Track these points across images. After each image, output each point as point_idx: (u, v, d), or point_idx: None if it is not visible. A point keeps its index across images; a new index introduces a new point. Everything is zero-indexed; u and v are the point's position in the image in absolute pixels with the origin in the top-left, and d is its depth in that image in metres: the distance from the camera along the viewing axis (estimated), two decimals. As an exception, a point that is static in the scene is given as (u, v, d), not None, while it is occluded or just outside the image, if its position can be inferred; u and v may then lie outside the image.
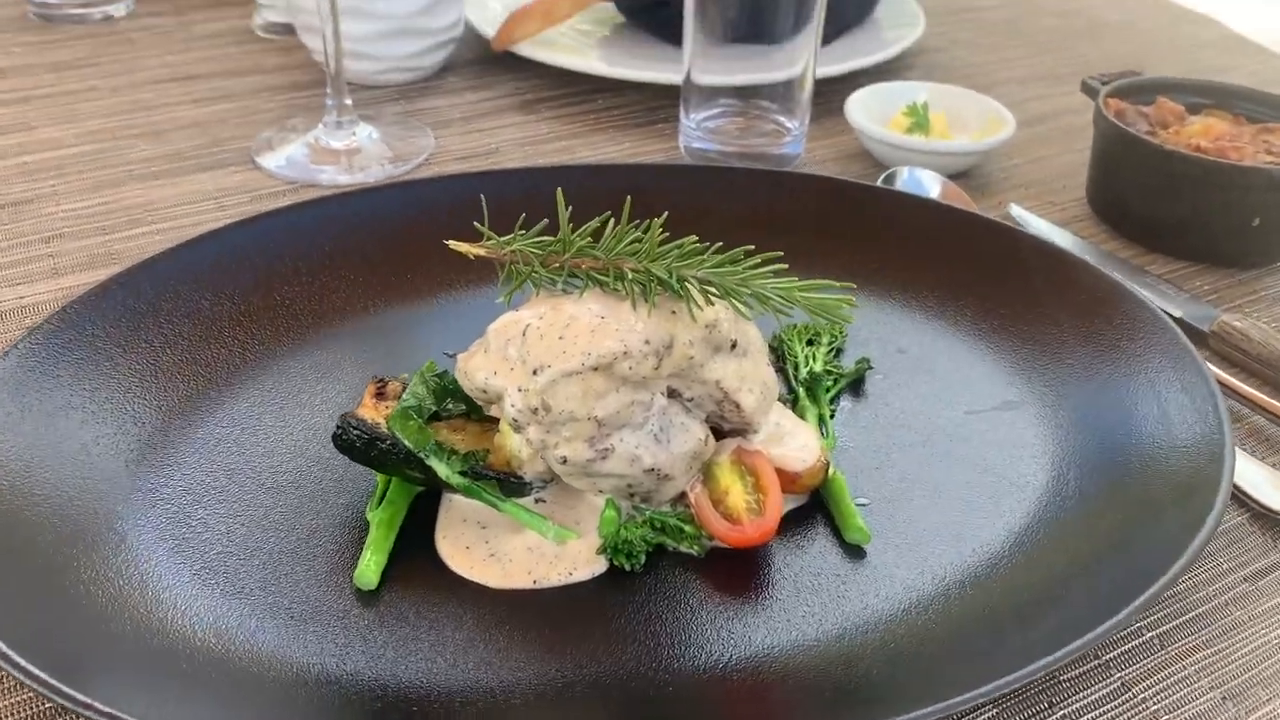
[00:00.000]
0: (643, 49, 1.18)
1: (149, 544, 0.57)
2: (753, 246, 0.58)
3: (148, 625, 0.53)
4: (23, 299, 0.80)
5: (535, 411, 0.56)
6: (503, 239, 0.59)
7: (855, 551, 0.59)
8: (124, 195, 0.93)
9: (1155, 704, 0.53)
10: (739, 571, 0.58)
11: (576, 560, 0.58)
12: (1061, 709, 0.53)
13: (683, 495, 0.60)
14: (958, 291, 0.77)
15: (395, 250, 0.79)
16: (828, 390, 0.69)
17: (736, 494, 0.59)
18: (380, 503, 0.60)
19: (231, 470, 0.63)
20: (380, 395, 0.61)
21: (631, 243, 0.57)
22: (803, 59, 0.94)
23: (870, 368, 0.72)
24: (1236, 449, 0.61)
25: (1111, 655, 0.56)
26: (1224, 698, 0.54)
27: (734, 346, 0.59)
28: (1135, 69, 1.07)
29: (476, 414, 0.63)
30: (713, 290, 0.57)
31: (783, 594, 0.57)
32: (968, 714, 0.52)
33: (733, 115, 1.00)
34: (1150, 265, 0.88)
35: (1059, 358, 0.71)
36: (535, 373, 0.56)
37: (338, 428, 0.59)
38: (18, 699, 0.52)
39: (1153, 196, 0.88)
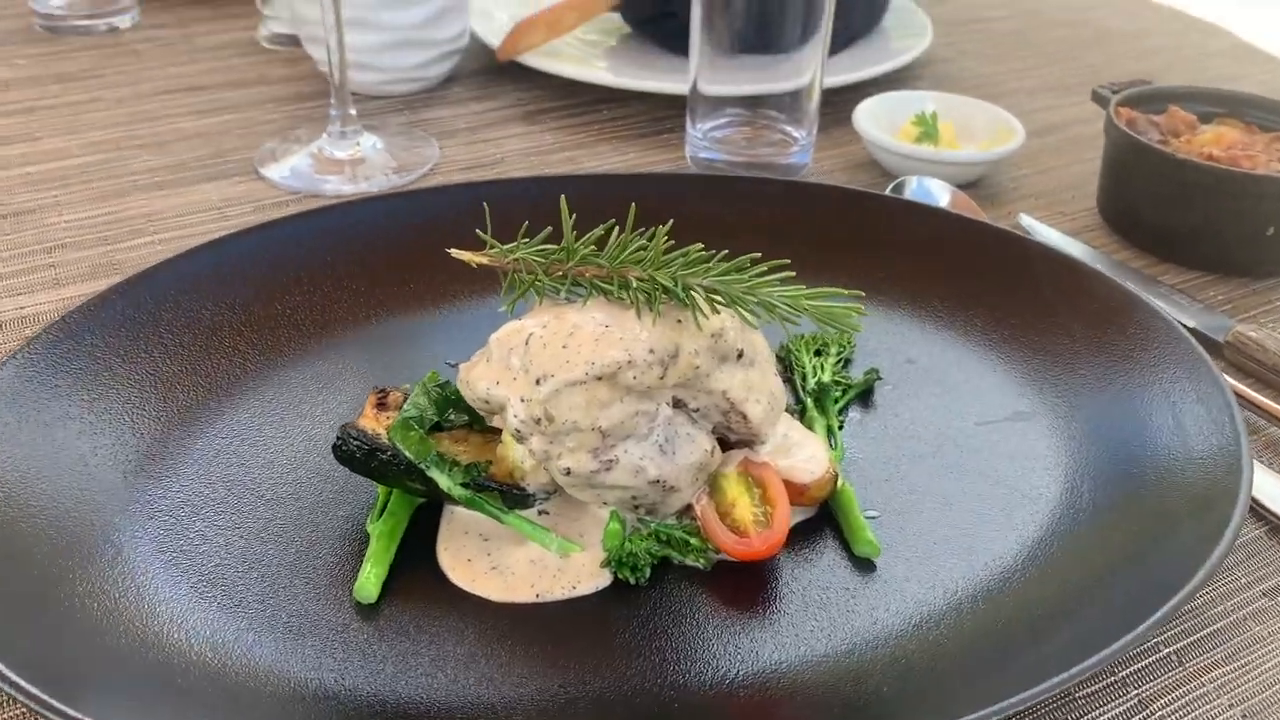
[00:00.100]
0: (648, 59, 1.18)
1: (146, 556, 0.57)
2: (760, 254, 0.57)
3: (143, 639, 0.52)
4: (23, 309, 0.79)
5: (538, 422, 0.55)
6: (506, 247, 0.58)
7: (865, 565, 0.58)
8: (127, 206, 0.93)
9: (1173, 722, 0.52)
10: (746, 585, 0.57)
11: (580, 573, 0.57)
12: (1077, 727, 0.52)
13: (688, 507, 0.59)
14: (968, 301, 0.76)
15: (396, 260, 0.78)
16: (836, 401, 0.68)
17: (743, 506, 0.58)
18: (381, 515, 0.59)
19: (230, 482, 0.62)
20: (381, 406, 0.60)
21: (636, 250, 0.56)
22: (810, 69, 0.94)
23: (879, 378, 0.71)
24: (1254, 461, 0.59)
25: (1128, 672, 0.54)
26: (1244, 716, 0.53)
27: (740, 356, 0.58)
28: (1145, 78, 1.06)
29: (479, 425, 0.62)
30: (719, 298, 0.56)
31: (791, 608, 0.56)
32: (981, 732, 0.51)
33: (739, 125, 0.99)
34: (1163, 275, 0.87)
35: (1071, 368, 0.70)
36: (538, 382, 0.55)
37: (338, 438, 0.58)
38: (9, 715, 0.51)
39: (1165, 206, 0.87)
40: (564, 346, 0.55)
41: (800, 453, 0.61)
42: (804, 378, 0.70)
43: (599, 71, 1.14)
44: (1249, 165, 0.83)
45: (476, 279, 0.68)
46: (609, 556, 0.57)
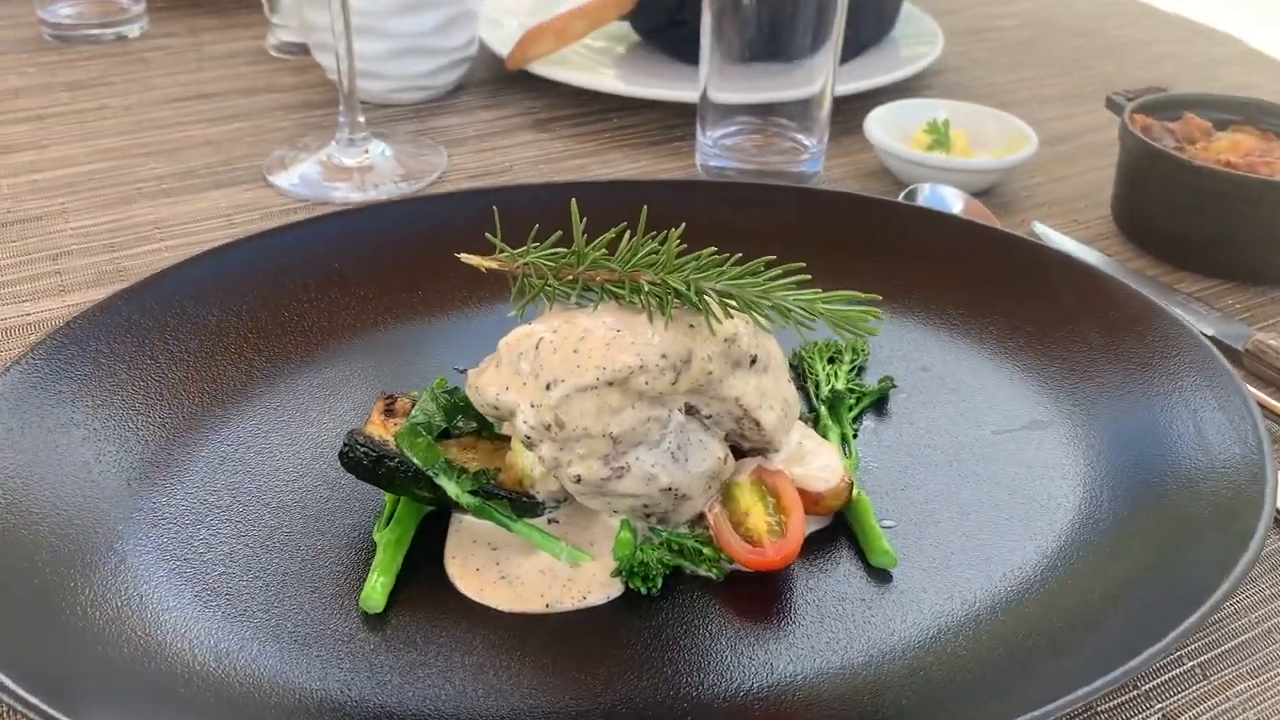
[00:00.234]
0: (658, 67, 1.17)
1: (150, 564, 0.56)
2: (774, 258, 0.56)
3: (147, 648, 0.51)
4: (28, 316, 0.79)
5: (548, 428, 0.54)
6: (516, 251, 0.58)
7: (881, 575, 0.57)
8: (134, 213, 0.92)
9: (1198, 737, 0.51)
10: (760, 596, 0.56)
11: (590, 583, 0.56)
12: (1100, 742, 0.51)
13: (701, 516, 0.58)
14: (983, 308, 0.75)
15: (405, 265, 0.77)
16: (850, 409, 0.67)
17: (757, 515, 0.57)
18: (388, 523, 0.58)
19: (236, 489, 0.61)
20: (389, 412, 0.60)
21: (648, 254, 0.55)
22: (821, 77, 0.93)
23: (894, 386, 0.70)
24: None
25: (1151, 685, 0.53)
26: (1271, 731, 0.51)
27: (754, 362, 0.57)
28: (1159, 86, 1.06)
29: (488, 431, 0.61)
30: (732, 303, 0.55)
31: (806, 619, 0.54)
32: (1001, 746, 0.50)
33: (750, 133, 0.98)
34: (1179, 283, 0.86)
35: (1089, 376, 0.69)
36: (548, 388, 0.54)
37: (345, 445, 0.58)
38: (11, 725, 0.50)
39: (1181, 213, 0.86)
40: (575, 351, 0.54)
41: (814, 461, 0.60)
42: (817, 385, 0.69)
43: (609, 79, 1.13)
44: (1266, 172, 0.82)
45: (485, 284, 0.67)
46: (620, 566, 0.56)
